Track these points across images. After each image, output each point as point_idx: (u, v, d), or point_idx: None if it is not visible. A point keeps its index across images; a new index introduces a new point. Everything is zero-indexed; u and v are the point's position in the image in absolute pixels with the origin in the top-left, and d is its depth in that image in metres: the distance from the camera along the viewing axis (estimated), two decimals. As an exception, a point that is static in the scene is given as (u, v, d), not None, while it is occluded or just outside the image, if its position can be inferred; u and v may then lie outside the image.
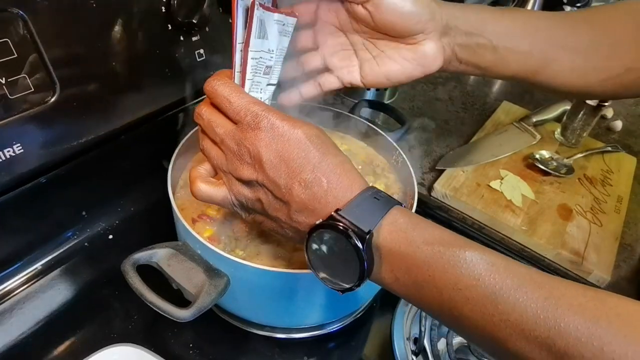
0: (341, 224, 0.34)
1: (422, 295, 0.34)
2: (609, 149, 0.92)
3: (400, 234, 0.35)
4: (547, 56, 0.50)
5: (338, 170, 0.38)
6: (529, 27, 0.50)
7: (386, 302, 0.62)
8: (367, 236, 0.34)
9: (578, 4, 1.30)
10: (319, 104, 0.67)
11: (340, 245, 0.35)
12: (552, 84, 0.52)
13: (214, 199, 0.42)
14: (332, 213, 0.35)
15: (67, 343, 0.53)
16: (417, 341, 0.57)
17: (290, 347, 0.57)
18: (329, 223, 0.35)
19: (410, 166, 0.59)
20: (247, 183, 0.40)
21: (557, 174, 0.84)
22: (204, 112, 0.41)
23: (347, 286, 0.37)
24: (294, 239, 0.41)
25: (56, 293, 0.58)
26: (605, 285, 0.69)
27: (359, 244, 0.34)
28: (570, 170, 0.85)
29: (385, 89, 0.97)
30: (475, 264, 0.32)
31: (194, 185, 0.41)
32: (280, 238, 0.47)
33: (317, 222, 0.36)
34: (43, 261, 0.60)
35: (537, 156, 0.86)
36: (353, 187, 0.37)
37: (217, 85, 0.39)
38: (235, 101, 0.38)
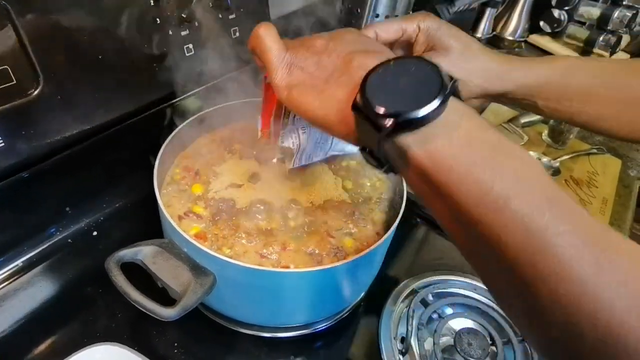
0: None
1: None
2: (595, 151, 0.94)
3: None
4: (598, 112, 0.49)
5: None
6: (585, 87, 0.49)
7: (373, 301, 0.62)
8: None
9: (566, 7, 1.31)
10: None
11: (417, 68, 0.30)
12: (590, 128, 0.51)
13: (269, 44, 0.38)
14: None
15: (49, 341, 0.52)
16: (404, 340, 0.58)
17: (278, 346, 0.56)
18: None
19: (399, 165, 0.58)
20: (314, 51, 0.37)
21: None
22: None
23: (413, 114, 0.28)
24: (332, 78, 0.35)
25: (38, 290, 0.57)
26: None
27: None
28: (557, 171, 0.86)
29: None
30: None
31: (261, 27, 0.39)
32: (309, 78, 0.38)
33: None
34: (25, 258, 0.59)
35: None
36: None
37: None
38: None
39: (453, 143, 0.29)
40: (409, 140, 0.29)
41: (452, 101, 0.29)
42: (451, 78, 0.29)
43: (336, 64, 0.36)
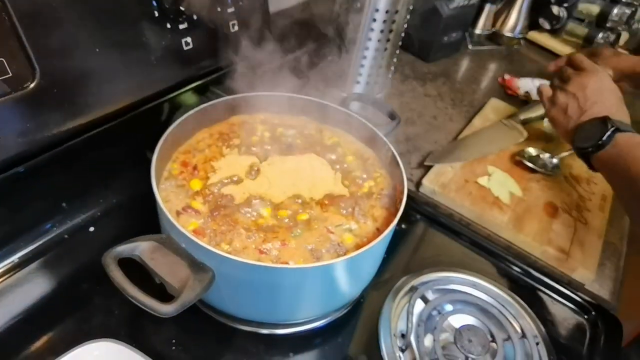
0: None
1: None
2: (594, 147, 0.93)
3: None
4: None
5: (613, 110, 0.70)
6: None
7: (373, 298, 0.62)
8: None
9: (565, 4, 1.31)
10: (310, 97, 0.66)
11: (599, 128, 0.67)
12: None
13: (543, 91, 0.81)
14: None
15: (45, 338, 0.51)
16: (404, 337, 0.57)
17: (276, 343, 0.56)
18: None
19: (400, 162, 0.58)
20: (567, 93, 0.75)
21: (543, 171, 0.84)
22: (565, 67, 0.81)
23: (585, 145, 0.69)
24: (566, 124, 0.74)
25: (34, 287, 0.56)
26: (589, 282, 0.69)
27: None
28: (556, 168, 0.85)
29: (375, 83, 0.96)
30: None
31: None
32: (554, 120, 0.77)
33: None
34: (20, 253, 0.58)
35: (525, 153, 0.86)
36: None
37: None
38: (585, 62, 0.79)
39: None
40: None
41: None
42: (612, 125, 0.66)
43: (576, 110, 0.73)
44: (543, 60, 1.33)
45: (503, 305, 0.63)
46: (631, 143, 0.64)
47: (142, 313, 0.42)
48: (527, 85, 1.10)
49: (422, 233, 0.75)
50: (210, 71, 0.68)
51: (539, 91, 0.81)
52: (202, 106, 0.61)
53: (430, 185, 0.78)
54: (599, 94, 0.72)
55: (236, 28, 0.69)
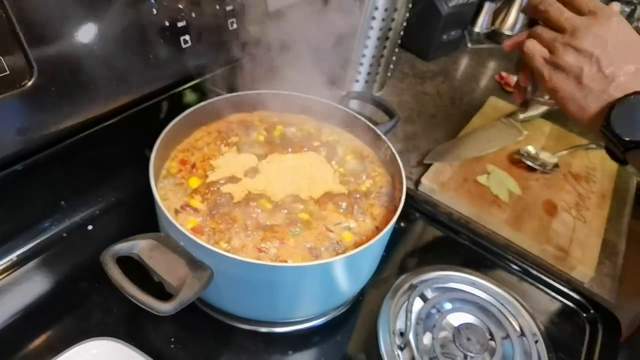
0: None
1: None
2: (593, 146, 0.93)
3: None
4: None
5: None
6: None
7: (372, 296, 0.61)
8: None
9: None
10: (309, 95, 0.66)
11: None
12: None
13: (535, 50, 0.53)
14: None
15: (43, 337, 0.51)
16: (403, 335, 0.57)
17: (275, 341, 0.56)
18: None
19: (399, 160, 0.58)
20: (579, 51, 0.49)
21: (543, 169, 0.84)
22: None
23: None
24: (583, 100, 0.50)
25: (32, 285, 0.56)
26: (588, 280, 0.69)
27: None
28: (556, 166, 0.85)
29: (374, 82, 0.96)
30: None
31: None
32: (563, 95, 0.52)
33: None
34: (19, 252, 0.58)
35: (524, 152, 0.86)
36: None
37: None
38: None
39: None
40: None
41: None
42: None
43: (597, 77, 0.48)
44: (542, 58, 1.32)
45: (502, 304, 0.63)
46: None
47: (141, 311, 0.42)
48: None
49: (421, 231, 0.75)
50: (209, 69, 0.68)
51: (526, 49, 0.54)
52: (200, 104, 0.61)
53: (430, 183, 0.78)
54: (629, 49, 0.48)
55: (235, 26, 0.68)
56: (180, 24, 0.61)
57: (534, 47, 0.53)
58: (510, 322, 0.60)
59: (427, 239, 0.74)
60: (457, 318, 0.60)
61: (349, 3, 0.81)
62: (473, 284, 0.65)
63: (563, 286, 0.68)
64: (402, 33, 0.92)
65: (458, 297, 0.63)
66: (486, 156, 0.86)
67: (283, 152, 0.62)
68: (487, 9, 1.34)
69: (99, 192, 0.66)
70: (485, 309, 0.61)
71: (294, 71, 0.66)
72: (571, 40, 0.49)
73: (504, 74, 1.15)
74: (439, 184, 0.78)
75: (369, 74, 0.94)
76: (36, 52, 0.47)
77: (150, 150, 0.52)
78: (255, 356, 0.54)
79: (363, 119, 0.65)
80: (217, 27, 0.66)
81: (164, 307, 0.41)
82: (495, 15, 1.38)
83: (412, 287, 0.63)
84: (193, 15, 0.62)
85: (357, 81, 0.95)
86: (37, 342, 0.51)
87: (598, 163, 0.90)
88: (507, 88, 1.12)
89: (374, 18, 0.84)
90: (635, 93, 0.46)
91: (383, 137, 0.62)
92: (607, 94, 0.48)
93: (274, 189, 0.56)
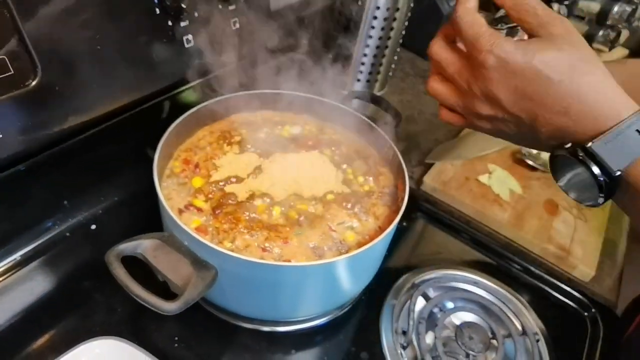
0: (586, 160, 0.35)
1: None
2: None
3: None
4: None
5: (589, 99, 0.36)
6: None
7: (374, 295, 0.62)
8: (616, 175, 0.35)
9: (565, 2, 1.31)
10: (311, 95, 0.66)
11: (583, 176, 0.36)
12: None
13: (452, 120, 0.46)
14: (577, 148, 0.35)
15: (47, 336, 0.51)
16: (405, 334, 0.57)
17: (278, 340, 0.56)
18: (573, 156, 0.36)
19: (401, 159, 0.58)
20: (485, 117, 0.41)
21: (544, 169, 0.84)
22: (434, 50, 0.42)
23: (589, 203, 0.39)
24: (526, 141, 0.43)
25: (36, 285, 0.56)
26: (589, 279, 0.69)
27: (602, 180, 0.35)
28: (556, 166, 0.85)
29: (376, 81, 0.96)
30: None
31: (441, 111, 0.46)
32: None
33: (559, 153, 0.37)
34: (22, 252, 0.58)
35: (525, 151, 0.86)
36: (608, 117, 0.35)
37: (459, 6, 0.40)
38: (465, 30, 0.39)
39: None
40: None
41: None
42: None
43: (522, 133, 0.41)
44: (543, 57, 1.32)
45: (504, 303, 0.63)
46: None
47: (144, 311, 0.42)
48: None
49: (423, 230, 0.75)
50: (212, 68, 0.68)
51: (440, 112, 0.48)
52: (203, 104, 0.61)
53: (431, 183, 0.78)
54: (527, 91, 0.37)
55: (237, 25, 0.68)
56: (183, 24, 0.61)
57: (441, 97, 0.46)
58: (512, 321, 0.61)
59: (429, 238, 0.74)
60: (460, 317, 0.60)
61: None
62: (475, 283, 0.65)
63: (564, 285, 0.69)
64: (403, 32, 0.92)
65: (460, 296, 0.63)
66: (488, 156, 0.86)
67: (286, 152, 0.62)
68: (488, 8, 1.34)
69: (101, 191, 0.66)
70: (487, 308, 0.61)
71: (296, 71, 0.66)
72: (465, 85, 0.41)
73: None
74: (441, 183, 0.78)
75: (370, 73, 0.94)
76: (40, 53, 0.47)
77: (153, 150, 0.52)
78: (258, 355, 0.54)
79: (365, 118, 0.66)
80: (220, 26, 0.66)
81: (169, 307, 0.41)
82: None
83: (415, 286, 0.63)
84: (196, 14, 0.62)
85: (358, 80, 0.95)
86: (41, 341, 0.51)
87: (599, 162, 0.90)
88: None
89: (375, 17, 0.84)
90: (557, 152, 0.39)
91: (385, 136, 0.62)
92: (541, 141, 0.40)
93: (277, 189, 0.56)
